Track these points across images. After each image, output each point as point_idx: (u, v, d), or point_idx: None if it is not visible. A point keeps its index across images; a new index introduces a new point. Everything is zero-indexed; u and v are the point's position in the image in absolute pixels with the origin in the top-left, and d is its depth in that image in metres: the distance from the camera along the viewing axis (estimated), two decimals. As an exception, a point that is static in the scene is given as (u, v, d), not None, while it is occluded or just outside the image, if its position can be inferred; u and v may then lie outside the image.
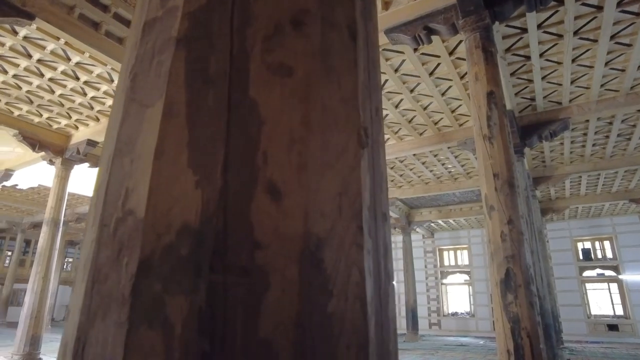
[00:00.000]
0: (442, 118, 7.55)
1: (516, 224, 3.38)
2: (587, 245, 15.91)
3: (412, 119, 7.59)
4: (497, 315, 3.30)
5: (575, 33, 5.16)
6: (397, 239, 18.43)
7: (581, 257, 15.87)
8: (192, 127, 0.38)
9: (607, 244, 15.64)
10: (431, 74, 6.09)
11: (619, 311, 14.99)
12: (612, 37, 5.25)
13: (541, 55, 5.60)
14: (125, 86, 0.46)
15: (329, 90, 0.42)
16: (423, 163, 9.97)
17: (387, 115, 7.44)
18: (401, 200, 13.53)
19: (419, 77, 6.17)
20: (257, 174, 0.36)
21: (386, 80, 6.30)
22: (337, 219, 0.38)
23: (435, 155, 9.48)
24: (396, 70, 6.02)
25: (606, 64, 5.82)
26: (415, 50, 5.51)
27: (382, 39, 4.80)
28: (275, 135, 0.38)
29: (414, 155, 9.41)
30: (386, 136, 8.37)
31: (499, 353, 3.24)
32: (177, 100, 0.40)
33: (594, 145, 8.77)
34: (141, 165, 0.38)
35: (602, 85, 6.40)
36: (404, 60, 5.79)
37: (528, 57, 5.67)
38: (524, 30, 5.10)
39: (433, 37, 5.10)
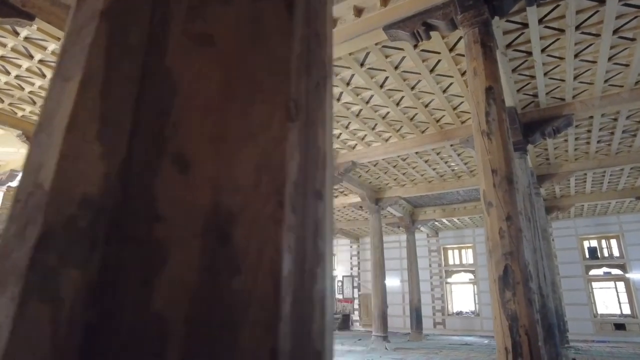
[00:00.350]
0: (444, 115, 7.50)
1: (515, 221, 3.34)
2: (594, 243, 15.75)
3: (413, 116, 7.55)
4: (495, 312, 3.27)
5: (577, 28, 5.10)
6: (401, 238, 18.38)
7: (587, 256, 15.71)
8: (105, 98, 0.36)
9: (613, 242, 15.47)
10: (432, 70, 6.05)
11: (626, 310, 14.83)
12: (615, 32, 5.18)
13: (543, 50, 5.54)
14: (56, 62, 0.46)
15: (255, 60, 0.40)
16: (426, 161, 9.92)
17: (388, 113, 7.40)
18: (404, 199, 13.47)
19: (419, 74, 6.13)
20: (165, 145, 0.34)
21: (386, 78, 6.27)
22: (254, 193, 0.36)
23: (437, 154, 9.43)
24: (396, 67, 5.99)
25: (609, 59, 5.75)
26: (415, 46, 5.48)
27: (381, 36, 4.78)
28: (189, 104, 0.36)
29: (417, 153, 9.36)
30: (388, 134, 8.34)
31: (497, 351, 3.21)
32: (94, 72, 0.38)
33: (598, 142, 8.67)
34: (54, 139, 0.37)
35: (605, 81, 6.32)
36: (404, 57, 5.75)
37: (529, 53, 5.62)
38: (525, 25, 5.05)
39: (432, 34, 5.07)
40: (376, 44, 5.41)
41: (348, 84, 6.41)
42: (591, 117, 7.51)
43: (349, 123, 7.83)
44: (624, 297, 14.98)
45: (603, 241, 15.68)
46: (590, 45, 5.46)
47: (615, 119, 7.62)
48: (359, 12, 4.83)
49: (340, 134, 8.34)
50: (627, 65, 5.94)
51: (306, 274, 0.39)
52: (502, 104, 3.75)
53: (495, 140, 3.59)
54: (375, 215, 12.31)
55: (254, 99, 0.39)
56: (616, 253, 15.36)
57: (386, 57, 5.71)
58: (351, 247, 20.82)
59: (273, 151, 0.39)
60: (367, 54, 5.67)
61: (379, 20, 4.68)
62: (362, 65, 5.91)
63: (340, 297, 20.43)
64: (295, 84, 0.43)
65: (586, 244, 15.86)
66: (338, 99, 6.90)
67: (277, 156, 0.39)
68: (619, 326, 14.39)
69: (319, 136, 0.47)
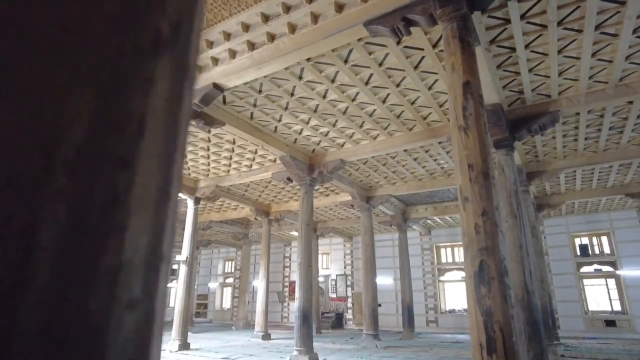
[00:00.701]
0: (430, 113, 7.48)
1: (490, 216, 3.32)
2: (585, 240, 15.81)
3: (400, 113, 7.52)
4: (470, 308, 3.24)
5: (560, 23, 5.08)
6: (394, 237, 18.37)
7: (578, 253, 15.76)
8: None
9: (604, 239, 15.53)
10: (416, 67, 6.02)
11: (617, 307, 14.89)
12: (597, 27, 5.17)
13: (526, 46, 5.53)
14: None
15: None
16: (415, 159, 9.91)
17: (374, 110, 7.38)
18: (396, 197, 13.46)
19: (404, 70, 6.10)
20: None
21: (371, 75, 6.24)
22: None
23: (426, 151, 9.41)
24: (380, 64, 5.96)
25: (593, 54, 5.74)
26: (398, 43, 5.45)
27: (362, 32, 4.75)
28: None
29: (405, 151, 9.35)
30: (376, 132, 8.32)
31: (472, 347, 3.19)
32: None
33: (586, 139, 8.69)
34: None
35: (590, 77, 6.31)
36: (387, 54, 5.72)
37: (513, 49, 5.60)
38: (507, 21, 5.03)
39: (413, 30, 5.06)
40: (359, 40, 5.38)
41: (333, 81, 6.37)
42: (578, 113, 7.51)
43: (337, 121, 7.79)
44: (614, 294, 15.04)
45: (594, 238, 15.73)
46: (573, 41, 5.45)
47: (602, 116, 7.62)
48: (339, 8, 4.80)
49: (328, 132, 8.31)
50: (610, 62, 5.94)
51: (86, 247, 0.35)
52: (479, 99, 3.72)
53: (472, 135, 3.57)
54: (366, 214, 12.29)
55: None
56: (607, 250, 15.42)
57: (369, 53, 5.68)
58: (344, 245, 20.81)
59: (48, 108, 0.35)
60: (351, 50, 5.63)
61: (360, 16, 4.65)
62: (345, 62, 5.88)
63: (334, 295, 20.41)
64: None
65: (577, 241, 15.92)
66: (324, 97, 6.86)
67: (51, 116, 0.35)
68: (610, 323, 14.45)
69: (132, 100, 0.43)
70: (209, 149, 9.32)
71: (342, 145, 9.02)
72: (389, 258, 19.42)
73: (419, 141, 8.21)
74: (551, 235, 16.08)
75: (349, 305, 19.88)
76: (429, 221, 17.08)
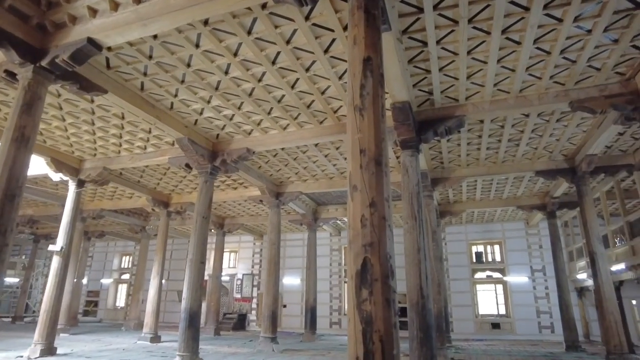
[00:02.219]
0: (341, 106, 7.11)
1: (379, 207, 2.89)
2: (480, 248, 16.86)
3: (310, 103, 7.04)
4: (349, 314, 2.77)
5: (470, 21, 4.94)
6: (305, 236, 18.01)
7: (474, 260, 16.76)
8: None
9: (497, 247, 16.70)
10: (326, 51, 5.55)
11: (502, 310, 16.05)
12: (503, 31, 5.13)
13: (438, 42, 5.34)
14: None
15: None
16: (326, 156, 9.54)
17: (283, 96, 6.81)
18: (307, 195, 13.05)
19: (313, 53, 5.61)
20: None
21: (278, 53, 5.65)
22: None
23: (337, 148, 9.09)
24: (288, 42, 5.39)
25: (498, 60, 5.76)
26: (307, 18, 4.92)
27: (264, -5, 4.13)
28: None
29: (316, 145, 8.93)
30: (285, 121, 7.76)
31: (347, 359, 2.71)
32: None
33: (488, 148, 8.99)
34: None
35: (495, 85, 6.38)
36: (295, 31, 5.17)
37: (425, 43, 5.39)
38: (421, 10, 4.76)
39: (323, 7, 4.61)
40: (263, 8, 4.76)
41: (235, 54, 5.67)
42: (482, 121, 7.66)
43: (242, 103, 7.08)
44: (501, 299, 16.20)
45: (488, 246, 16.85)
46: (482, 42, 5.38)
47: (502, 126, 7.87)
48: (241, -36, 4.14)
49: (233, 115, 7.56)
50: (513, 71, 6.02)
51: None
52: (380, 79, 3.31)
53: (367, 117, 3.13)
54: (275, 210, 11.70)
55: None
56: (498, 258, 16.59)
57: (276, 27, 5.08)
58: (254, 244, 20.02)
59: None
60: (255, 20, 4.99)
61: (262, -25, 4.04)
62: (249, 33, 5.21)
63: (239, 296, 19.49)
64: None
65: (474, 248, 16.93)
66: (226, 72, 6.13)
67: None
68: (495, 325, 15.51)
69: None
70: (93, 123, 8.03)
71: (250, 133, 8.32)
72: (298, 258, 19.03)
73: (329, 135, 7.81)
74: (451, 242, 16.89)
75: (254, 306, 19.11)
76: (339, 222, 17.00)
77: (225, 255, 20.20)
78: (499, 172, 9.93)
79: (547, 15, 4.86)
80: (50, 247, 9.73)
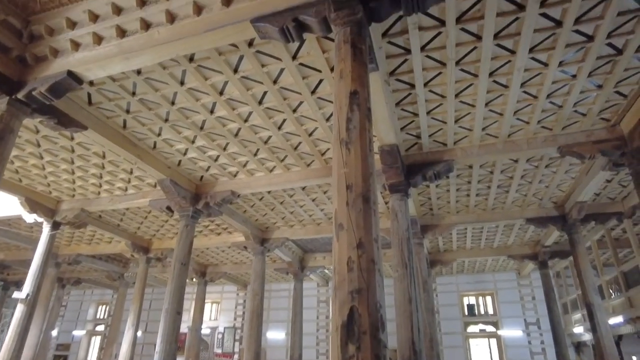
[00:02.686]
0: (328, 148, 6.98)
1: (368, 249, 2.61)
2: (472, 300, 16.31)
3: (297, 145, 6.90)
4: (332, 372, 2.40)
5: (458, 63, 4.95)
6: (291, 286, 17.31)
7: (466, 312, 16.14)
8: None
9: (489, 299, 16.17)
10: (313, 92, 5.48)
11: (498, 367, 15.25)
12: (490, 74, 5.14)
13: (425, 84, 5.32)
14: None
15: None
16: (313, 200, 9.30)
17: (270, 137, 6.66)
18: (294, 241, 12.64)
19: (300, 94, 5.53)
20: None
21: (265, 93, 5.56)
22: None
23: (325, 192, 8.87)
24: (275, 82, 5.32)
25: (486, 104, 5.74)
26: (294, 58, 4.88)
27: (249, 31, 4.06)
28: None
29: (303, 189, 8.70)
30: (272, 163, 7.57)
31: None
32: None
33: (477, 195, 8.86)
34: None
35: (483, 129, 6.34)
36: (282, 70, 5.11)
37: (413, 85, 5.36)
38: (408, 51, 4.75)
39: (310, 47, 4.61)
40: (250, 46, 4.71)
41: (221, 93, 5.56)
42: (471, 166, 7.58)
43: (227, 144, 6.91)
44: (496, 354, 15.43)
45: (480, 298, 16.31)
46: (470, 85, 5.37)
47: (492, 172, 7.79)
48: (227, 1, 4.10)
49: (218, 156, 7.36)
50: (501, 115, 6.01)
51: None
52: (367, 113, 3.15)
53: (354, 151, 2.93)
54: (259, 257, 11.22)
55: None
56: (490, 310, 16.01)
57: (262, 65, 5.01)
58: (237, 294, 19.14)
59: None
60: (241, 58, 4.92)
61: (248, 12, 3.99)
62: (235, 71, 5.13)
63: (219, 351, 18.31)
64: None
65: (466, 300, 16.36)
66: (211, 111, 5.99)
67: None
68: (492, 384, 14.63)
69: None
70: (73, 162, 7.73)
71: (235, 175, 8.09)
72: (284, 310, 18.17)
73: (316, 178, 7.61)
74: (442, 293, 16.35)
75: (235, 361, 17.93)
76: (327, 271, 16.42)
77: (207, 307, 19.24)
78: (489, 219, 9.75)
79: (533, 59, 4.90)
80: (15, 294, 9.03)
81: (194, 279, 15.89)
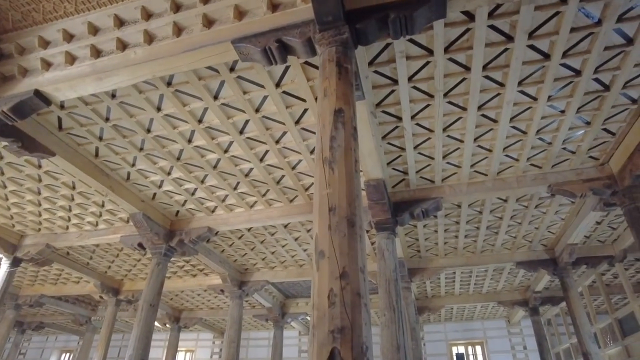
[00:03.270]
0: (312, 184, 6.69)
1: (353, 280, 2.25)
2: (461, 349, 15.55)
3: (280, 179, 6.60)
4: None
5: (446, 95, 4.83)
6: (270, 335, 16.33)
7: (456, 363, 15.35)
8: None
9: (478, 349, 15.45)
10: (297, 121, 5.28)
11: None
12: (479, 107, 5.02)
13: (413, 117, 5.17)
14: None
15: None
16: (296, 239, 8.87)
17: (251, 169, 6.36)
18: (274, 285, 12.00)
19: (283, 124, 5.31)
20: None
21: (247, 122, 5.32)
22: None
23: (308, 231, 8.47)
24: (257, 110, 5.10)
25: (475, 139, 5.60)
26: (277, 86, 4.69)
27: (230, 54, 3.87)
28: None
29: (285, 227, 8.30)
30: (253, 198, 7.21)
31: None
32: None
33: (466, 236, 8.58)
34: None
35: (472, 165, 6.17)
36: (265, 98, 4.91)
37: (400, 118, 5.20)
38: (395, 81, 4.62)
39: (295, 75, 4.45)
40: (231, 71, 4.51)
41: (200, 121, 5.31)
42: (459, 205, 7.35)
43: (206, 176, 6.57)
44: (488, 411, 14.51)
45: (469, 347, 15.58)
46: (458, 119, 5.24)
47: (480, 212, 7.56)
48: (209, 23, 3.94)
49: (195, 189, 6.98)
50: (490, 151, 5.86)
51: None
52: (353, 132, 2.89)
53: (339, 171, 2.63)
54: (237, 302, 10.54)
55: None
56: (481, 361, 15.25)
57: (244, 92, 4.81)
58: (213, 342, 17.96)
59: None
60: (222, 83, 4.71)
61: (230, 33, 3.82)
62: (216, 98, 4.91)
63: (191, 406, 16.88)
64: None
65: (455, 349, 15.60)
66: (189, 140, 5.70)
67: None
68: None
69: None
70: (39, 193, 7.24)
71: (213, 211, 7.68)
72: (263, 360, 17.04)
73: (299, 215, 7.26)
74: (430, 342, 15.59)
75: (208, 418, 16.49)
76: (309, 318, 15.56)
77: (180, 355, 17.97)
78: (478, 262, 9.42)
79: (522, 92, 4.81)
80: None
81: (167, 325, 14.87)
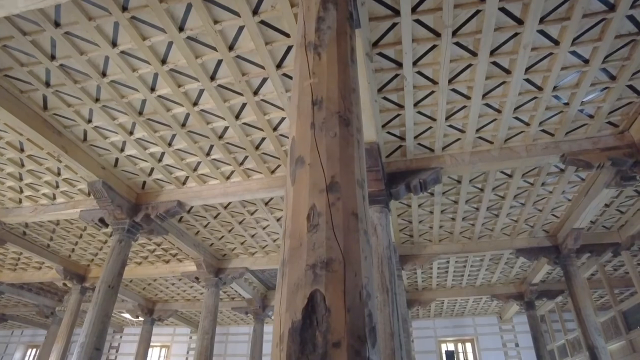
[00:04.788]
0: (297, 149, 5.89)
1: (346, 194, 1.48)
2: (451, 347, 14.91)
3: (259, 142, 5.79)
4: None
5: (455, 34, 4.09)
6: (250, 330, 15.46)
7: (444, 361, 14.68)
8: None
9: (469, 346, 14.82)
10: (279, 65, 4.48)
11: None
12: (492, 53, 4.30)
13: (415, 63, 4.42)
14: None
15: None
16: (278, 220, 8.05)
17: (226, 129, 5.54)
18: (255, 274, 11.16)
19: (263, 67, 4.51)
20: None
21: (219, 63, 4.50)
22: None
23: (292, 209, 7.65)
24: (231, 48, 4.29)
25: (484, 95, 4.88)
26: (255, 13, 3.89)
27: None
28: None
29: (267, 204, 7.48)
30: (229, 167, 6.37)
31: None
32: None
33: (464, 219, 7.89)
34: None
35: (477, 130, 5.46)
36: (240, 30, 4.10)
37: (400, 65, 4.44)
38: (396, 12, 3.86)
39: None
40: (199, -10, 3.70)
41: (164, 61, 4.47)
42: (459, 180, 6.64)
43: (174, 136, 5.72)
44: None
45: (459, 345, 14.94)
46: (467, 68, 4.51)
47: (482, 189, 6.86)
48: None
49: (163, 154, 6.12)
50: (499, 112, 5.15)
51: None
52: (348, 16, 2.11)
53: (329, 57, 1.86)
54: (213, 290, 9.67)
55: None
56: (471, 358, 14.62)
57: (215, 22, 3.99)
58: (190, 337, 16.99)
59: None
60: (189, 8, 3.89)
61: None
62: (181, 29, 4.08)
63: (164, 404, 15.89)
64: None
65: (444, 346, 14.95)
66: (152, 88, 4.85)
67: None
68: None
69: None
70: (-18, 159, 6.30)
71: (184, 183, 6.82)
72: (242, 357, 16.15)
73: (282, 188, 6.45)
74: (419, 338, 14.91)
75: (182, 417, 15.53)
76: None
77: (155, 351, 16.98)
78: (475, 250, 8.73)
79: (543, 33, 4.11)
80: None
81: (140, 317, 13.89)
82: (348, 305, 1.25)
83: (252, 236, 8.82)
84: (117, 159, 6.24)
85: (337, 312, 1.22)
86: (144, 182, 6.84)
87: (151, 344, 15.28)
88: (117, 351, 17.31)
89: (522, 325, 13.74)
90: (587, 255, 8.57)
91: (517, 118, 5.28)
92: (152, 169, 6.47)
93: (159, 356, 17.08)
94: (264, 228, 8.45)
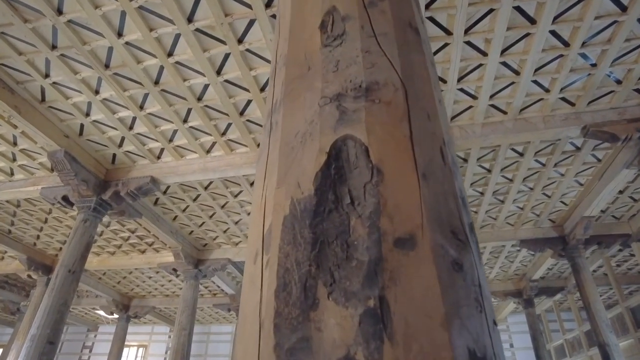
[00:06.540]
0: (288, 116, 5.21)
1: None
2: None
3: (245, 106, 5.10)
4: None
5: (477, -34, 3.48)
6: (233, 329, 14.64)
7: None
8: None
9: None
10: (268, 5, 3.80)
11: None
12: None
13: (427, 6, 3.79)
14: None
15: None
16: (264, 203, 7.32)
17: (206, 87, 4.83)
18: (237, 266, 10.39)
19: (250, 7, 3.82)
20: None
21: (196, 3, 3.80)
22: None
23: (280, 191, 6.95)
24: (213, -21, 3.60)
25: (503, 52, 4.28)
26: None
27: None
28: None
29: (252, 184, 6.77)
30: (209, 138, 5.65)
31: None
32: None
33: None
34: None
35: (492, 96, 4.85)
36: (225, -45, 3.41)
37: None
38: None
39: None
40: None
41: (131, -5, 3.75)
42: (466, 159, 6.03)
43: (145, 97, 4.98)
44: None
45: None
46: (488, 14, 3.90)
47: (490, 170, 6.27)
48: None
49: (134, 120, 5.37)
50: (517, 74, 4.56)
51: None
52: None
53: None
54: (191, 283, 8.91)
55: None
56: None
57: (194, -59, 3.30)
58: (169, 337, 16.07)
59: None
60: None
61: None
62: (151, -51, 3.38)
63: (139, 408, 14.94)
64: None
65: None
66: (119, 34, 4.12)
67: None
68: None
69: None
70: None
71: (159, 157, 6.07)
72: (225, 357, 15.31)
73: (268, 163, 5.74)
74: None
75: (158, 422, 14.60)
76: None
77: (132, 351, 16.02)
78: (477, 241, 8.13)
79: (581, -32, 3.51)
80: None
81: (114, 314, 12.98)
82: (422, 169, 0.58)
83: (236, 223, 8.08)
84: (82, 126, 5.47)
85: (399, 177, 0.55)
86: (114, 156, 6.07)
87: (127, 343, 14.37)
88: (90, 351, 16.28)
89: (516, 326, 13.25)
90: (592, 249, 8.06)
91: (536, 82, 4.70)
92: (122, 139, 5.71)
93: (136, 356, 16.11)
94: (248, 213, 7.72)
